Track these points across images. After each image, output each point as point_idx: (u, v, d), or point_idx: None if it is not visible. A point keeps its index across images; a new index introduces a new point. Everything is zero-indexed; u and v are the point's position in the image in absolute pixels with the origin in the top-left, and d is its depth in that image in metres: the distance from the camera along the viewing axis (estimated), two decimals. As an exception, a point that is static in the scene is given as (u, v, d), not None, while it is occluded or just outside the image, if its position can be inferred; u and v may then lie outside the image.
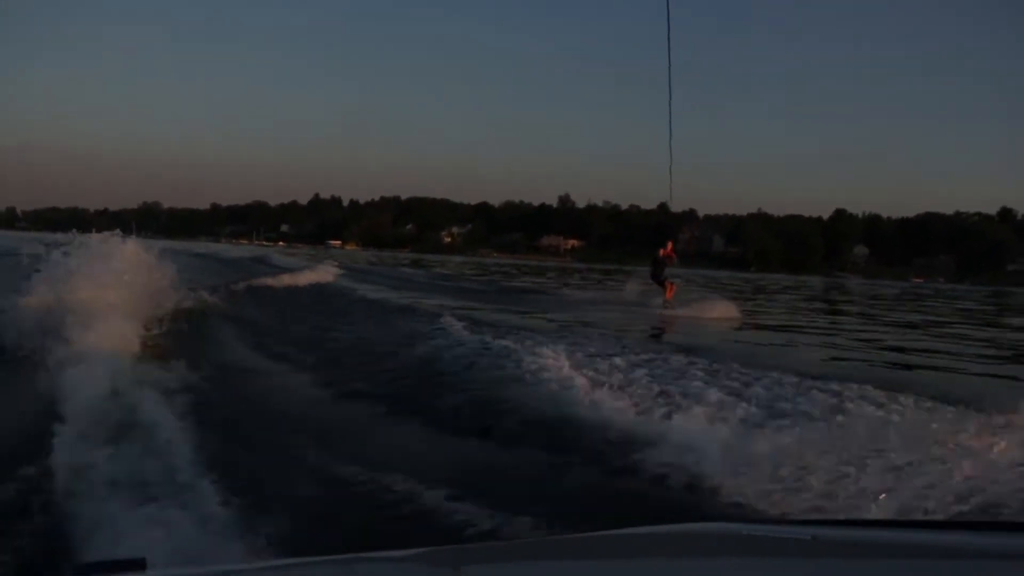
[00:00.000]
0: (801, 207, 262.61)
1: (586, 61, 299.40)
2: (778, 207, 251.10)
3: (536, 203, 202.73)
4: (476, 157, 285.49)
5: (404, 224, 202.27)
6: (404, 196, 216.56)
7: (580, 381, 6.81)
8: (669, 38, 10.84)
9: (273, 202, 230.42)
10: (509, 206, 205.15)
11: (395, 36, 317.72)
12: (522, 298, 23.92)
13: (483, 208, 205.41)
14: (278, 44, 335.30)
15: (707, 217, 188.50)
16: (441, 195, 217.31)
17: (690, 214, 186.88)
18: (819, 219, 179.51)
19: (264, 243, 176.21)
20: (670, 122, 13.43)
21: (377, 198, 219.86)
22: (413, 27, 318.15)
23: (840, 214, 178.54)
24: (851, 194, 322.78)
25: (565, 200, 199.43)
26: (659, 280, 19.30)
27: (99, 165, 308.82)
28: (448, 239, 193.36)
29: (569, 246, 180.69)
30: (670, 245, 19.43)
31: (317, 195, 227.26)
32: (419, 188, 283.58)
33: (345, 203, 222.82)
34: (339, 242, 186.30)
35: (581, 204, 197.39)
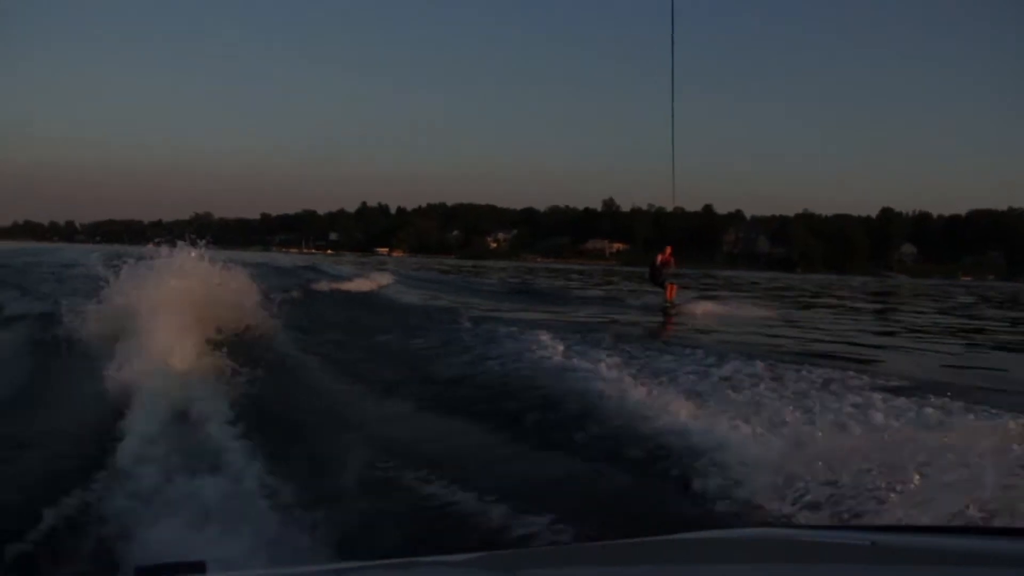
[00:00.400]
0: (848, 207, 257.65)
1: (629, 62, 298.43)
2: (825, 207, 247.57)
3: (581, 207, 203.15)
4: (521, 162, 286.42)
5: (450, 230, 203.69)
6: (450, 202, 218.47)
7: (631, 385, 6.72)
8: (673, 48, 10.95)
9: (321, 210, 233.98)
10: (554, 211, 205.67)
11: (437, 43, 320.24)
12: (549, 298, 25.90)
13: (529, 213, 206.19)
14: (324, 55, 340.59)
15: (754, 218, 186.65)
16: (487, 201, 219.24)
17: (736, 215, 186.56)
18: (867, 218, 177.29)
19: (312, 251, 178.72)
20: (672, 125, 13.46)
21: (424, 205, 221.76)
22: (456, 33, 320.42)
23: (887, 213, 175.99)
24: (897, 192, 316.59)
25: (609, 204, 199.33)
26: (658, 283, 20.24)
27: (153, 178, 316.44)
28: (494, 244, 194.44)
29: (614, 249, 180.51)
30: (668, 250, 20.31)
31: (364, 203, 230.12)
32: (465, 194, 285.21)
33: (392, 210, 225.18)
34: (386, 249, 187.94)
35: (626, 207, 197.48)
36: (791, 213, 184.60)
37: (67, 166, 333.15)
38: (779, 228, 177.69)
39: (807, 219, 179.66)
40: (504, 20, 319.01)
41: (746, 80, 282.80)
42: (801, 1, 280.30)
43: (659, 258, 20.28)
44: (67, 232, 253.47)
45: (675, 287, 20.17)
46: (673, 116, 13.18)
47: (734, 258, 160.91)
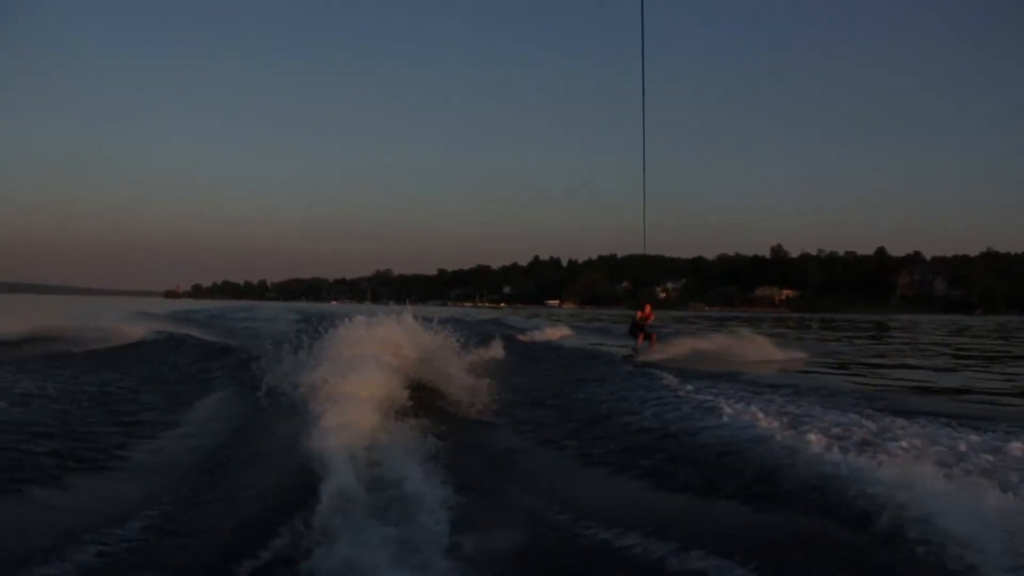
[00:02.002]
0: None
1: (801, 109, 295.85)
2: (1013, 244, 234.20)
3: (750, 254, 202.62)
4: (690, 212, 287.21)
5: (619, 281, 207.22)
6: (620, 254, 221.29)
7: (777, 427, 7.02)
8: (643, 100, 11.63)
9: (495, 265, 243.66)
10: (723, 259, 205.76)
11: (607, 102, 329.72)
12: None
13: (697, 262, 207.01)
14: (498, 115, 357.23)
15: (934, 259, 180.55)
16: (656, 251, 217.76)
17: (913, 257, 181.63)
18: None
19: (486, 304, 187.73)
20: (644, 169, 14.33)
21: (594, 257, 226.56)
22: (624, 91, 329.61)
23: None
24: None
25: (777, 250, 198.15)
26: (639, 334, 20.68)
27: (335, 238, 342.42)
28: (663, 294, 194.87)
29: (784, 296, 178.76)
30: (648, 308, 20.90)
31: (537, 257, 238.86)
32: (635, 245, 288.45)
33: (564, 263, 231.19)
34: (556, 301, 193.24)
35: (794, 253, 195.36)
36: (974, 252, 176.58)
37: (258, 230, 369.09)
38: (958, 269, 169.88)
39: (990, 258, 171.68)
40: (673, 81, 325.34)
41: (919, 124, 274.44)
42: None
43: (639, 315, 20.85)
44: (259, 290, 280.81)
45: (656, 336, 21.00)
46: (644, 165, 14.26)
47: (908, 301, 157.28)
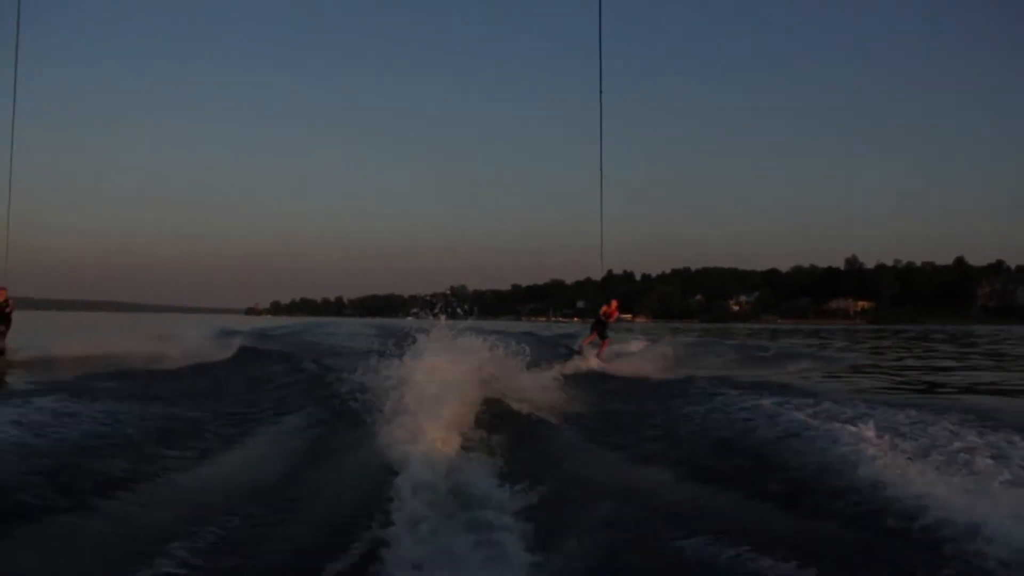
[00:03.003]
0: None
1: (866, 123, 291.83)
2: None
3: (824, 265, 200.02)
4: (764, 222, 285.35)
5: (692, 294, 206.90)
6: (694, 267, 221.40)
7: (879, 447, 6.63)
8: (598, 98, 12.24)
9: (569, 280, 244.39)
10: (797, 271, 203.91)
11: (662, 105, 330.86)
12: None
13: (771, 274, 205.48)
14: (569, 128, 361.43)
15: (1018, 268, 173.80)
16: (730, 263, 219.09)
17: (996, 266, 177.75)
18: None
19: (560, 319, 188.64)
20: (601, 187, 14.36)
21: (667, 271, 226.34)
22: (690, 102, 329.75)
23: None
24: None
25: (852, 261, 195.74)
26: (602, 335, 20.14)
27: (411, 254, 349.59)
28: (736, 307, 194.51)
29: (859, 308, 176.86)
30: (614, 304, 20.18)
31: (610, 271, 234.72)
32: (709, 258, 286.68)
33: (637, 277, 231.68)
34: (630, 315, 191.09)
35: (870, 264, 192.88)
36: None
37: (334, 248, 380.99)
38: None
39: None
40: (723, 87, 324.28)
41: (995, 126, 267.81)
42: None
43: (604, 310, 20.10)
44: (336, 307, 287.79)
45: (609, 341, 20.30)
46: (602, 183, 14.35)
47: (990, 312, 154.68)
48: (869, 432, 6.99)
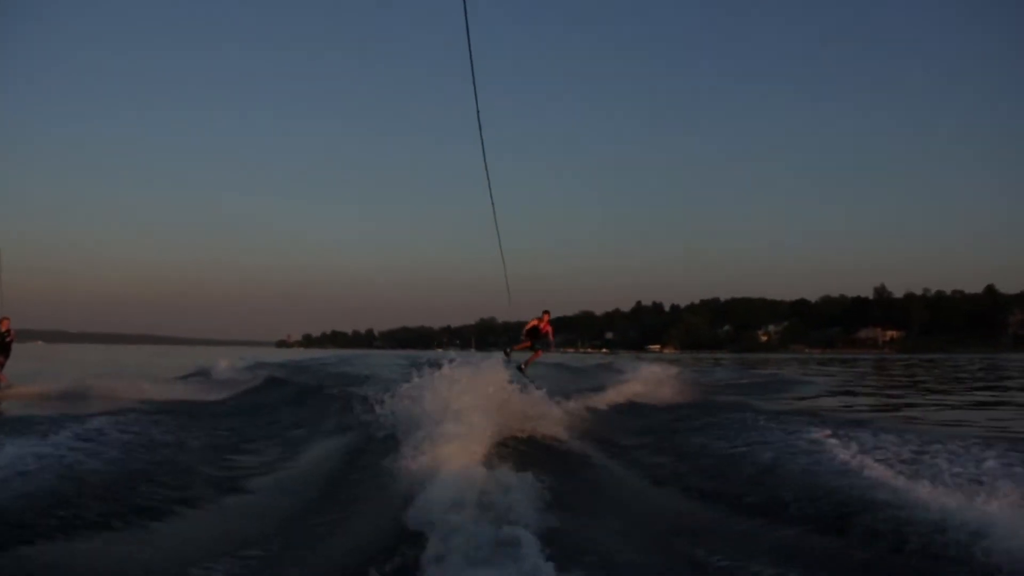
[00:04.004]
0: None
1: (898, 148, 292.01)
2: None
3: (853, 295, 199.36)
4: (793, 253, 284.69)
5: (722, 324, 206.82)
6: (724, 297, 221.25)
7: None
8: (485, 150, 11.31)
9: (598, 311, 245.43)
10: (826, 300, 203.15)
11: (697, 130, 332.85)
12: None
13: (800, 304, 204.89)
14: (596, 165, 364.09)
15: None
16: (759, 294, 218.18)
17: None
18: None
19: (588, 350, 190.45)
20: (496, 222, 14.10)
21: (697, 301, 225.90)
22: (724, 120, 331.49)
23: None
24: None
25: (881, 291, 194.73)
26: (533, 347, 19.81)
27: (439, 289, 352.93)
28: (764, 337, 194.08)
29: (888, 337, 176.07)
30: (545, 317, 19.66)
31: (639, 302, 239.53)
32: (739, 288, 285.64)
33: (667, 308, 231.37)
34: (658, 346, 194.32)
35: (899, 293, 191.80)
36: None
37: (365, 281, 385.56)
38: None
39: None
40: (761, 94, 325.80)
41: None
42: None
43: (534, 322, 19.70)
44: (367, 339, 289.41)
45: (540, 354, 20.13)
46: (496, 218, 13.99)
47: (1021, 340, 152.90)
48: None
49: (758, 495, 7.32)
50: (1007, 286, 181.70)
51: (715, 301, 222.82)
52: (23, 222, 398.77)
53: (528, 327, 19.90)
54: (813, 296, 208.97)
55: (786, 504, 6.84)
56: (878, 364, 61.16)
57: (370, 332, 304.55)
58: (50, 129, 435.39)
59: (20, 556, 4.89)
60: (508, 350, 19.40)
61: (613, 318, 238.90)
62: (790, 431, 10.35)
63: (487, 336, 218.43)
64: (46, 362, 40.06)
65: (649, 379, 24.03)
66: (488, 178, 11.75)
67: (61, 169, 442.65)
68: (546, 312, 19.95)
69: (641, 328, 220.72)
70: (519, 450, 8.53)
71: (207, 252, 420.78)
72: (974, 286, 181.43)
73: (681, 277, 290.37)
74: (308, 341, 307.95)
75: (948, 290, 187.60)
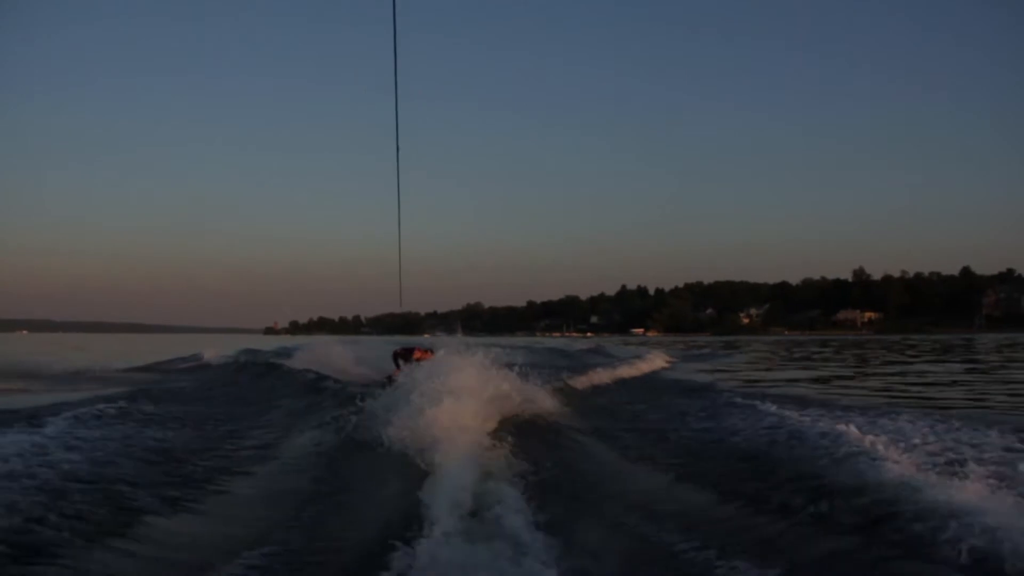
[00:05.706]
0: None
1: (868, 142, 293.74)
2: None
3: (834, 277, 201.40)
4: (774, 236, 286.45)
5: (704, 308, 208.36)
6: (707, 281, 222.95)
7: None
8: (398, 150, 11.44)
9: (584, 295, 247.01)
10: (807, 283, 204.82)
11: (690, 124, 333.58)
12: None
13: (781, 287, 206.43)
14: (593, 148, 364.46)
15: None
16: (742, 277, 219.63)
17: (1006, 275, 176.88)
18: None
19: (574, 334, 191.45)
20: (399, 222, 13.87)
21: (681, 285, 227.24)
22: (711, 115, 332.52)
23: None
24: None
25: (860, 273, 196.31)
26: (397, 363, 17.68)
27: (425, 275, 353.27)
28: (746, 320, 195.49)
29: (866, 319, 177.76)
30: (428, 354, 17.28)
31: (624, 286, 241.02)
32: (722, 272, 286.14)
33: (651, 292, 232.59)
34: (641, 330, 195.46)
35: (876, 276, 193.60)
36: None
37: (352, 267, 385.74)
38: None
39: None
40: (746, 103, 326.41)
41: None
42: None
43: (419, 353, 16.10)
44: (354, 326, 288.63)
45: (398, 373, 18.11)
46: (400, 220, 13.78)
47: (994, 321, 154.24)
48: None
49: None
50: (985, 268, 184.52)
51: (698, 285, 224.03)
52: (3, 211, 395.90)
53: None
54: (794, 279, 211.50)
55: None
56: (836, 345, 62.00)
57: (357, 319, 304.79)
58: (32, 119, 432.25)
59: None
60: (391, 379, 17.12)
61: (598, 302, 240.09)
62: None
63: (473, 322, 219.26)
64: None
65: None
66: (398, 179, 12.03)
67: (43, 158, 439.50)
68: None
69: (625, 312, 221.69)
70: (511, 434, 8.38)
71: (193, 240, 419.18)
72: (951, 268, 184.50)
73: (665, 261, 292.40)
74: (295, 328, 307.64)
75: (925, 272, 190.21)
